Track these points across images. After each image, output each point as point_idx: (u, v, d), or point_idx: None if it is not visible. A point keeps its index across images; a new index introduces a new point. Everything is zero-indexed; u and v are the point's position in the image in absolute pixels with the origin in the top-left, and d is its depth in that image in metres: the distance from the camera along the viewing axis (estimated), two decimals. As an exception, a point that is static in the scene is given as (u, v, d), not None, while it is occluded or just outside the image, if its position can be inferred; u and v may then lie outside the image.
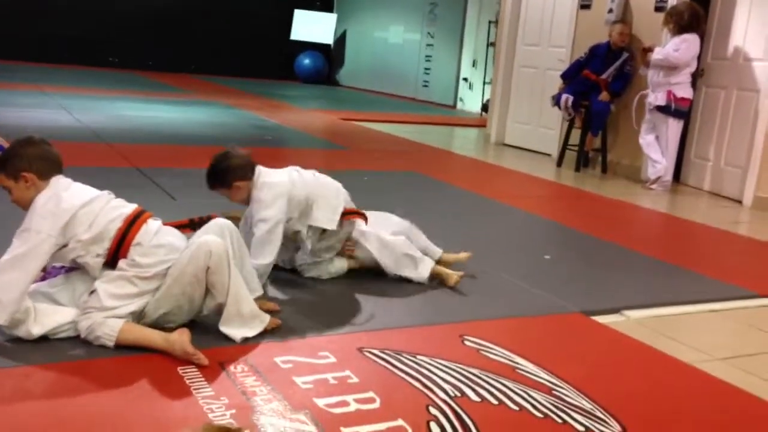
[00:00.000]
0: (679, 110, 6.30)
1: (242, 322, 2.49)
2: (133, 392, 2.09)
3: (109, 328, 2.31)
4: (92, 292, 2.38)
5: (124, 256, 2.41)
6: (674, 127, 6.37)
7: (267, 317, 2.57)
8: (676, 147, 6.46)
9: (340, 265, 3.29)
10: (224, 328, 2.47)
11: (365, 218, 3.30)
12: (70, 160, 5.06)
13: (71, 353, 2.29)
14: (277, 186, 3.03)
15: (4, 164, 2.42)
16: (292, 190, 3.07)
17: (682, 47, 6.17)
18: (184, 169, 5.35)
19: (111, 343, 2.31)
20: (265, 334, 2.53)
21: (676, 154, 6.48)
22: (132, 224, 2.44)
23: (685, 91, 6.28)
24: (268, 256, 2.93)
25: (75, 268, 2.49)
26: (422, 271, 3.27)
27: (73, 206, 2.37)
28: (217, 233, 2.53)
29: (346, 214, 3.21)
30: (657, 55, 6.28)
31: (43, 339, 2.34)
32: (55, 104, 8.28)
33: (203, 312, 2.55)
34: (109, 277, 2.40)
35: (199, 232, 2.59)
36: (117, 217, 2.43)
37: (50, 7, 14.23)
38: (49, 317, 2.36)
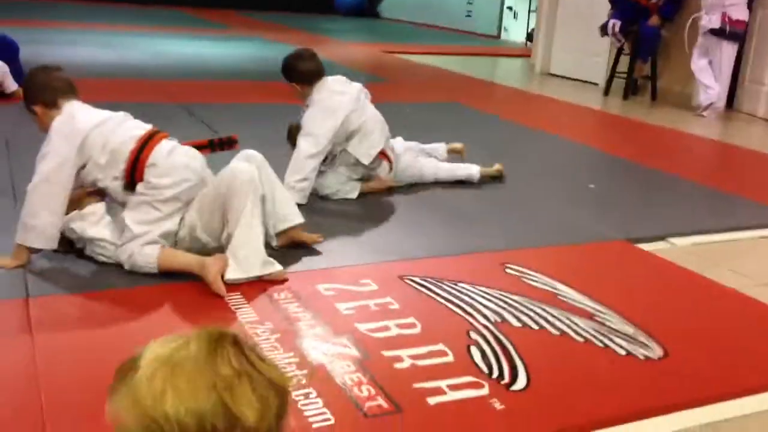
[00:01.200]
0: (734, 33, 6.03)
1: (236, 262, 2.36)
2: (179, 318, 2.16)
3: (148, 255, 2.35)
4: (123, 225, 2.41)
5: (141, 179, 2.40)
6: (728, 50, 6.12)
7: (274, 267, 2.42)
8: (730, 72, 6.22)
9: (353, 188, 3.39)
10: (230, 273, 2.34)
11: (391, 163, 3.46)
12: (112, 96, 5.15)
13: (121, 281, 2.36)
14: (337, 104, 3.23)
15: (25, 98, 2.54)
16: (350, 115, 3.24)
17: None
18: (227, 104, 5.38)
19: (154, 269, 2.36)
20: (306, 258, 2.57)
21: (729, 79, 6.25)
22: (145, 145, 2.42)
23: (740, 13, 6.00)
24: (306, 172, 3.14)
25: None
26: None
27: (86, 127, 2.40)
28: (244, 161, 2.53)
29: (380, 153, 3.36)
30: None
31: (94, 266, 2.41)
32: (99, 41, 8.34)
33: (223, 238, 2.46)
34: (132, 204, 2.41)
35: (232, 161, 2.55)
36: (130, 139, 2.42)
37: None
38: (93, 228, 2.44)
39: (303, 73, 3.31)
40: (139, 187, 2.41)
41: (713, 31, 6.07)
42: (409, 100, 6.00)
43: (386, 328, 2.15)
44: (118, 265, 2.42)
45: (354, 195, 3.40)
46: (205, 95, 5.69)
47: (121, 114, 2.53)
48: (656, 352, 2.11)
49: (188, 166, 2.45)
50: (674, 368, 2.03)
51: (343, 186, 3.39)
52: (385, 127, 3.44)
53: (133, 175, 2.41)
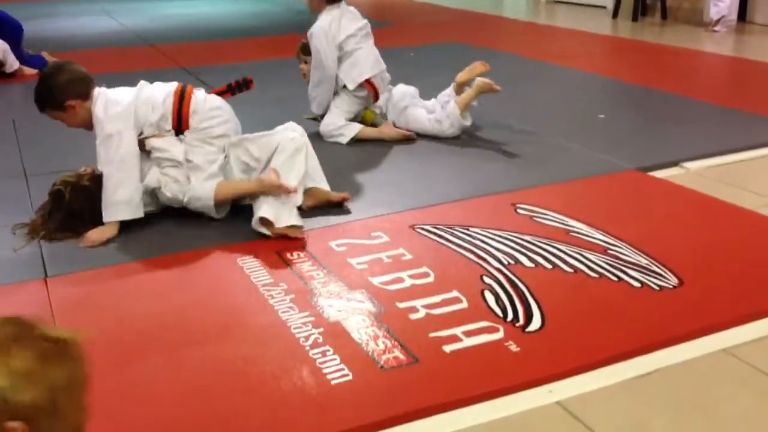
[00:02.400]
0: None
1: (284, 200, 2.47)
2: (196, 286, 2.18)
3: (207, 189, 2.53)
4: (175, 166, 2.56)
5: (187, 127, 2.58)
6: None
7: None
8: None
9: (348, 129, 3.50)
10: (263, 211, 2.45)
11: (376, 94, 3.54)
12: (115, 66, 5.13)
13: (136, 254, 2.39)
14: (324, 30, 3.41)
15: (47, 101, 2.55)
16: (348, 39, 3.44)
17: None
18: (228, 64, 5.33)
19: (210, 202, 2.53)
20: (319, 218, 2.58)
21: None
22: (182, 98, 2.60)
23: None
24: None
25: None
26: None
27: (131, 99, 2.55)
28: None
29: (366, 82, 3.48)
30: None
31: (111, 242, 2.44)
32: (99, 10, 8.28)
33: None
34: (185, 143, 2.58)
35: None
36: (167, 95, 2.60)
37: None
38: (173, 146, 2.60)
39: None
40: (187, 133, 2.58)
41: None
42: (415, 43, 5.91)
43: (400, 280, 2.16)
44: (128, 238, 2.45)
45: (348, 137, 3.48)
46: (210, 57, 5.65)
47: (143, 81, 2.67)
48: (671, 281, 2.10)
49: (223, 107, 2.67)
50: (690, 296, 2.03)
51: (338, 121, 3.49)
52: (379, 63, 3.55)
53: (180, 125, 2.58)
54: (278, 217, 2.43)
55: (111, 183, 2.47)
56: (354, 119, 3.57)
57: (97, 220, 2.49)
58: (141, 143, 2.57)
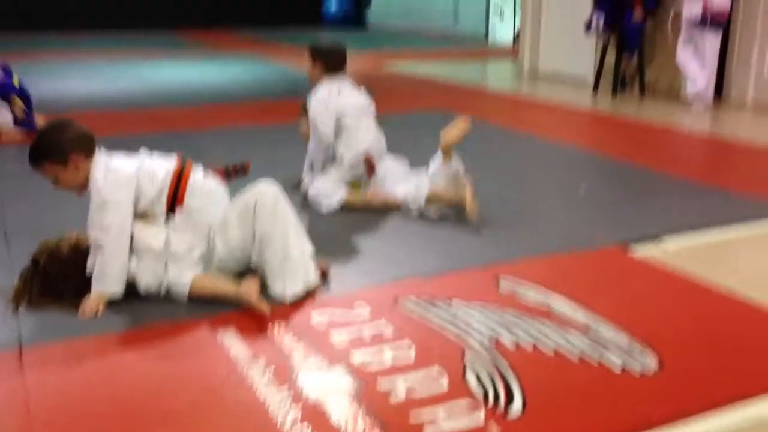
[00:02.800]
0: (716, 22, 6.05)
1: (290, 269, 2.52)
2: (173, 359, 2.15)
3: (184, 278, 2.48)
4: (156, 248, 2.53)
5: (180, 203, 2.56)
6: (712, 39, 6.13)
7: (313, 273, 2.59)
8: (716, 60, 6.24)
9: (336, 192, 3.55)
10: (272, 284, 2.52)
11: (372, 170, 3.59)
12: (105, 130, 5.16)
13: (115, 324, 2.36)
14: (323, 100, 3.53)
15: (48, 153, 2.49)
16: (347, 114, 3.52)
17: None
18: (219, 129, 5.40)
19: (184, 296, 2.48)
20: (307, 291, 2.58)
21: (715, 67, 6.26)
22: (182, 173, 2.60)
23: (721, 2, 6.01)
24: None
25: None
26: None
27: (133, 169, 2.54)
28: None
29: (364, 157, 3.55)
30: None
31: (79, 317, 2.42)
32: (90, 71, 8.38)
33: (253, 258, 2.60)
34: (172, 227, 2.54)
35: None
36: (168, 171, 2.59)
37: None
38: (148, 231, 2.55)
39: (330, 60, 3.61)
40: (177, 213, 2.56)
41: (696, 22, 6.09)
42: (398, 111, 6.01)
43: (381, 355, 2.15)
44: (107, 308, 2.43)
45: (336, 204, 3.52)
46: (198, 120, 5.71)
47: (144, 150, 2.68)
48: (651, 363, 2.10)
49: (217, 191, 2.65)
50: (670, 380, 2.03)
51: (327, 190, 3.54)
52: (378, 141, 3.63)
53: (174, 201, 2.56)
54: (308, 278, 2.56)
55: (105, 252, 2.44)
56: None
57: (75, 288, 2.47)
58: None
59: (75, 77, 8.06)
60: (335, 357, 2.14)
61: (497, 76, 8.95)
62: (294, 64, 9.24)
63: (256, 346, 2.21)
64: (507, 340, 2.24)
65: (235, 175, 2.79)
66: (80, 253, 2.52)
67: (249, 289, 2.45)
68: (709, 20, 6.03)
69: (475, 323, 2.34)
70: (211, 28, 14.82)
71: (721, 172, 4.34)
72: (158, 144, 4.81)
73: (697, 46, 6.20)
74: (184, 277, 2.49)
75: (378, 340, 2.24)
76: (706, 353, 2.18)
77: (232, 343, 2.22)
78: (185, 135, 5.12)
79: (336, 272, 2.76)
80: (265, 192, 2.58)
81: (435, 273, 2.76)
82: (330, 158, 3.61)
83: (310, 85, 3.65)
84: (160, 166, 2.60)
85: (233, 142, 4.95)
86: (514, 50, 10.51)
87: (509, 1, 12.42)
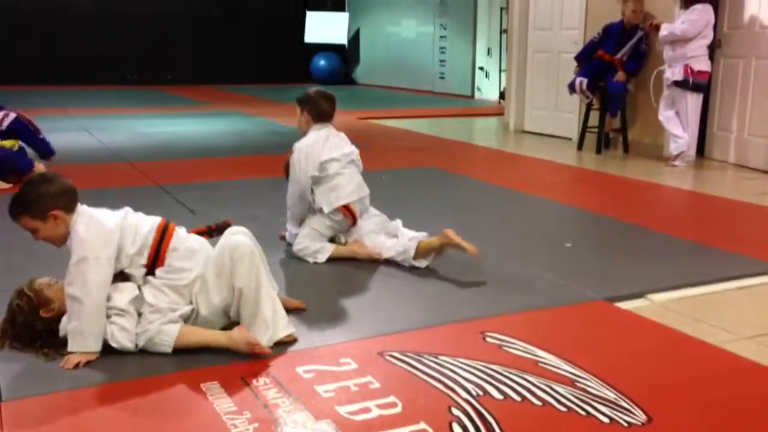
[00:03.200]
0: (697, 84, 6.20)
1: (266, 325, 2.51)
2: (155, 414, 2.11)
3: (167, 333, 2.43)
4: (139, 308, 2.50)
5: (162, 264, 2.54)
6: (694, 101, 6.27)
7: (283, 329, 2.57)
8: (698, 121, 6.36)
9: (322, 249, 3.53)
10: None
11: (354, 220, 3.58)
12: (93, 183, 5.18)
13: (94, 377, 2.32)
14: (308, 146, 3.53)
15: (28, 207, 2.48)
16: (330, 162, 3.50)
17: (689, 18, 6.08)
18: (204, 182, 5.42)
19: (168, 349, 2.43)
20: (287, 344, 2.55)
21: (697, 128, 6.38)
22: (165, 232, 2.58)
23: (702, 64, 6.18)
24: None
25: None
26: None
27: (115, 225, 2.51)
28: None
29: (344, 208, 3.53)
30: (663, 32, 6.23)
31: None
32: (77, 126, 8.42)
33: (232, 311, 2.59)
34: (152, 285, 2.53)
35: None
36: (151, 228, 2.58)
37: (67, 29, 14.48)
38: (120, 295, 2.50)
39: (317, 107, 3.61)
40: (159, 271, 2.54)
41: (677, 83, 6.23)
42: (386, 167, 6.07)
43: (367, 410, 2.12)
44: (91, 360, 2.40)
45: (322, 258, 3.50)
46: (186, 175, 5.73)
47: (128, 208, 2.66)
48: (639, 417, 2.09)
49: (199, 252, 2.61)
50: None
51: (312, 243, 3.51)
52: (361, 189, 3.60)
53: (155, 261, 2.54)
54: (287, 328, 2.57)
55: (84, 312, 2.38)
56: (330, 240, 3.61)
57: (50, 335, 2.46)
58: None
59: (63, 132, 8.08)
60: (320, 412, 2.11)
61: (483, 134, 9.08)
62: (281, 119, 9.33)
63: (240, 400, 2.18)
64: (495, 392, 2.22)
65: (217, 233, 2.73)
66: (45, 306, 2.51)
67: (240, 334, 2.44)
68: (690, 82, 6.17)
69: (462, 377, 2.32)
70: (202, 85, 15.00)
71: (706, 228, 4.38)
72: (145, 197, 4.86)
73: (679, 107, 6.33)
74: (168, 327, 2.45)
75: (364, 395, 2.22)
76: (694, 408, 2.17)
77: (216, 397, 2.19)
78: (170, 188, 5.13)
79: (321, 327, 2.74)
80: (240, 244, 2.54)
81: (421, 327, 2.75)
82: (308, 208, 3.58)
83: (299, 135, 3.65)
84: (143, 223, 2.59)
85: (218, 195, 4.96)
86: (500, 108, 10.69)
87: (494, 61, 12.70)
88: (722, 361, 2.51)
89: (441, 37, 14.08)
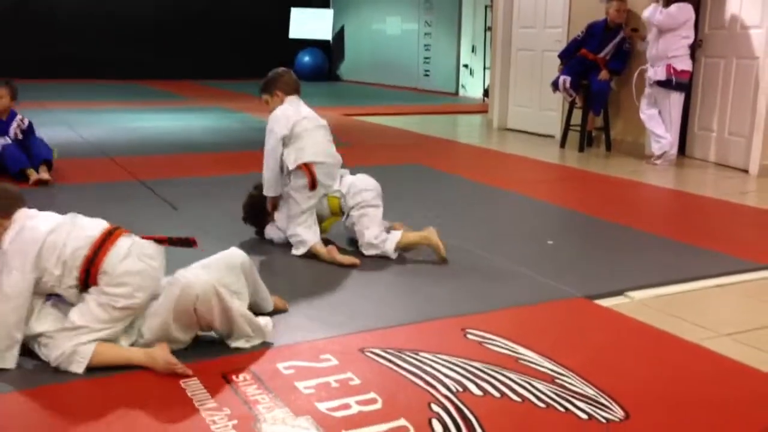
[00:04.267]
0: (680, 83, 6.24)
1: (245, 340, 2.50)
2: (137, 409, 2.10)
3: (80, 354, 2.27)
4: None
5: (95, 284, 2.34)
6: (676, 100, 6.31)
7: (267, 328, 2.56)
8: (679, 120, 6.41)
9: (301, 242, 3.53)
10: (232, 342, 2.49)
11: (313, 182, 3.53)
12: (73, 178, 5.13)
13: (72, 373, 2.30)
14: (282, 111, 3.61)
15: None
16: (299, 122, 3.55)
17: (666, 11, 6.15)
18: (185, 178, 5.38)
19: (81, 369, 2.27)
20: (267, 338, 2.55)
21: (679, 127, 6.43)
22: (99, 250, 2.34)
23: (684, 64, 6.22)
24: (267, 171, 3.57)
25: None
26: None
27: (39, 237, 2.33)
28: (226, 262, 2.58)
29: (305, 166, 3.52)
30: (645, 12, 6.28)
31: (33, 361, 2.36)
32: (58, 120, 8.33)
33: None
34: (83, 302, 2.35)
35: (194, 265, 2.52)
36: (83, 245, 2.35)
37: (48, 23, 14.33)
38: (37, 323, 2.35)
39: (287, 81, 3.71)
40: (92, 290, 2.35)
41: (660, 83, 6.27)
42: (370, 163, 6.06)
43: (347, 406, 2.12)
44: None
45: (300, 250, 3.53)
46: (166, 170, 5.69)
47: (70, 216, 2.46)
48: (618, 413, 2.11)
49: (142, 273, 2.37)
50: (636, 429, 2.03)
51: (296, 234, 3.53)
52: (328, 155, 3.61)
53: (87, 281, 2.35)
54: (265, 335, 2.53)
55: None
56: (321, 215, 3.63)
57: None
58: None
59: (42, 126, 8.00)
60: (300, 408, 2.10)
61: (467, 131, 9.09)
62: (264, 115, 9.29)
63: (220, 396, 2.17)
64: (474, 389, 2.23)
65: (179, 245, 2.52)
66: None
67: (160, 352, 2.30)
68: (673, 82, 6.21)
69: (442, 373, 2.33)
70: (183, 80, 14.91)
71: (686, 226, 4.42)
72: (126, 192, 4.82)
73: (662, 106, 6.37)
74: (82, 348, 2.27)
75: (344, 391, 2.21)
76: (673, 405, 2.18)
77: (196, 393, 2.18)
78: (151, 183, 5.10)
79: (301, 323, 2.74)
80: (193, 286, 2.35)
81: (402, 324, 2.75)
82: (279, 175, 3.57)
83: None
84: (75, 239, 2.35)
85: (198, 190, 4.94)
86: (484, 105, 10.72)
87: (479, 58, 12.72)
88: (700, 358, 2.54)
89: (426, 34, 14.09)
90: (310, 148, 3.54)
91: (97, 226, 2.43)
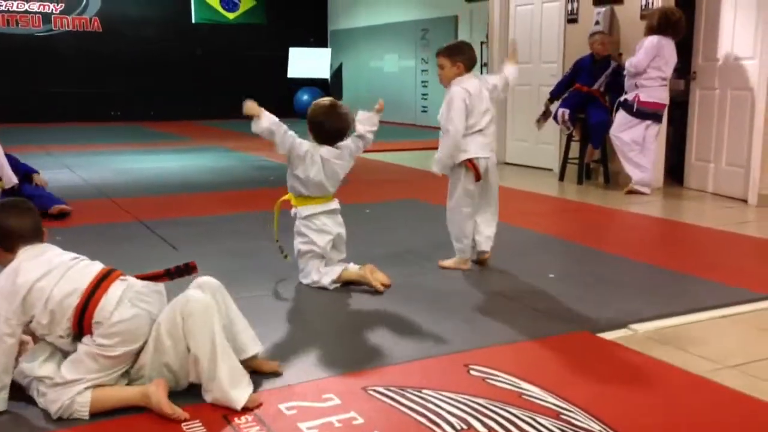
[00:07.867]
0: (641, 111, 6.38)
1: (222, 392, 2.31)
2: (137, 453, 2.08)
3: (80, 404, 2.23)
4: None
5: (89, 333, 2.27)
6: (651, 131, 6.44)
7: (248, 387, 2.37)
8: (656, 150, 6.53)
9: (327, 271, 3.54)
10: (207, 396, 2.34)
11: (478, 176, 3.81)
12: (74, 220, 5.12)
13: (73, 420, 2.28)
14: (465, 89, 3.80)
15: None
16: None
17: (638, 48, 6.26)
18: (186, 218, 5.39)
19: (85, 415, 2.24)
20: (269, 380, 2.52)
21: (655, 157, 6.51)
22: (90, 297, 2.27)
23: (650, 95, 6.34)
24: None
25: None
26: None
27: (28, 281, 2.26)
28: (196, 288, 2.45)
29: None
30: (627, 66, 6.42)
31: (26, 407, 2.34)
32: (59, 164, 8.38)
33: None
34: (76, 352, 2.30)
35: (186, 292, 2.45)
36: (73, 292, 2.27)
37: (50, 66, 14.49)
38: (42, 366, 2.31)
39: (471, 56, 3.81)
40: (86, 339, 2.28)
41: (622, 104, 6.44)
42: (368, 200, 6.08)
43: (350, 446, 2.10)
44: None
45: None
46: (167, 210, 5.70)
47: (67, 260, 2.38)
48: (624, 448, 2.08)
49: (133, 319, 2.29)
50: (643, 465, 2.00)
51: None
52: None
53: (81, 330, 2.28)
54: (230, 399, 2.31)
55: None
56: None
57: None
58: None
59: (43, 168, 8.04)
60: (303, 449, 2.08)
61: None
62: (264, 153, 9.34)
63: (222, 438, 2.14)
64: (478, 426, 2.20)
65: (179, 275, 2.46)
66: None
67: (157, 391, 2.24)
68: (634, 108, 6.34)
69: (446, 411, 2.31)
70: (184, 120, 15.02)
71: (687, 257, 4.41)
72: (126, 234, 4.82)
73: (638, 136, 6.46)
74: (80, 398, 2.23)
75: (347, 431, 2.19)
76: (678, 439, 2.16)
77: (197, 436, 2.16)
78: (151, 223, 5.10)
79: (303, 362, 2.72)
80: (191, 299, 2.34)
81: (404, 361, 2.73)
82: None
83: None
84: (61, 288, 2.26)
85: (199, 230, 4.94)
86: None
87: (476, 95, 12.84)
88: (707, 390, 2.51)
89: (423, 71, 14.23)
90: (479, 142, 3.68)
91: (89, 273, 2.34)
